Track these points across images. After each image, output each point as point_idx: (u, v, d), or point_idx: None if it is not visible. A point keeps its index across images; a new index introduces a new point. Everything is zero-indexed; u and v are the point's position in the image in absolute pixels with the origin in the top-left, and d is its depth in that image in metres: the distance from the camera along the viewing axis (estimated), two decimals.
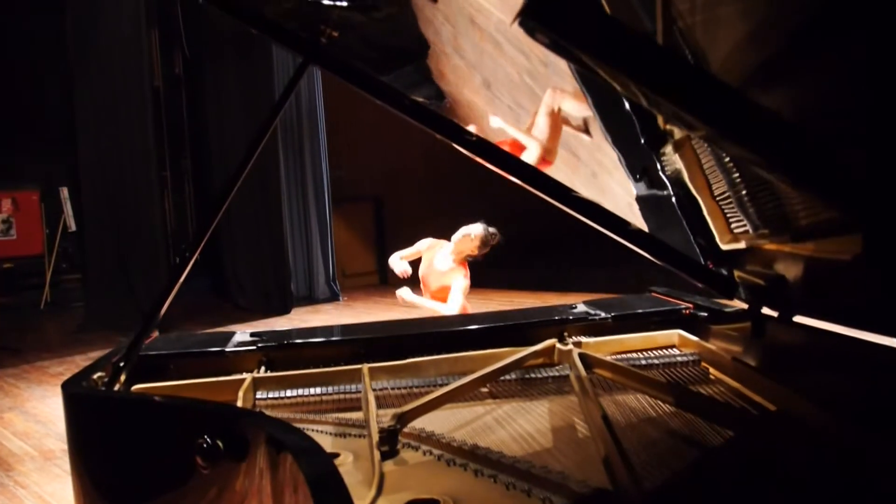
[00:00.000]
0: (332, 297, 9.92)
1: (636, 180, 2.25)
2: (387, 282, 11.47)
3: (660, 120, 1.92)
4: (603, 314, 2.20)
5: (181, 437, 1.31)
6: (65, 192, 8.98)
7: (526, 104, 5.24)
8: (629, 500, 1.17)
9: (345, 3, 1.31)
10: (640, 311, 2.22)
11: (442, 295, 4.68)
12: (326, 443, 1.61)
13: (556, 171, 6.67)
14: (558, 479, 1.27)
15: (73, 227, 8.96)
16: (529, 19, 0.70)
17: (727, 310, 2.10)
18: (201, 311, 9.19)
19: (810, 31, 1.34)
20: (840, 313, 1.73)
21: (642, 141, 2.06)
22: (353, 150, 10.57)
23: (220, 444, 1.27)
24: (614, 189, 5.35)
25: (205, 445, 1.26)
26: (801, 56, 1.42)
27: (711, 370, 1.91)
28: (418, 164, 10.33)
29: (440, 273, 4.76)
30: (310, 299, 9.77)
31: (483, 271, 10.08)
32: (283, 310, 8.97)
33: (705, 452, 1.41)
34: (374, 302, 9.70)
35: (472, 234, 4.59)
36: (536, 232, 8.97)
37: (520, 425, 1.64)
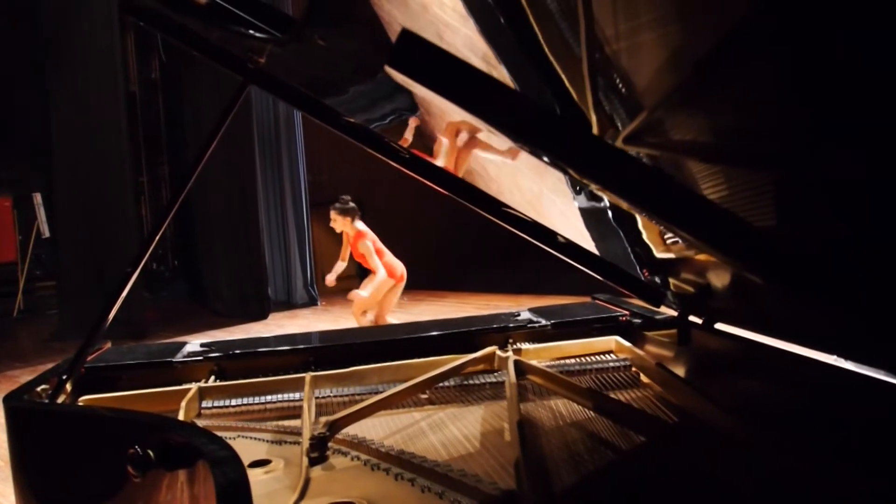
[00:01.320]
0: (311, 302, 9.95)
1: (576, 193, 2.33)
2: None
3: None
4: (543, 321, 2.28)
5: (114, 448, 1.36)
6: (38, 198, 8.97)
7: None
8: (528, 502, 1.24)
9: (261, 35, 1.38)
10: (579, 318, 2.30)
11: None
12: (262, 450, 1.67)
13: (524, 178, 6.77)
14: (472, 482, 1.34)
15: (46, 233, 8.94)
16: (393, 66, 0.78)
17: (658, 317, 2.19)
18: (178, 317, 9.21)
19: (718, 55, 1.43)
20: (757, 321, 1.82)
21: None
22: (333, 155, 10.61)
23: (150, 453, 1.33)
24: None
25: (136, 455, 1.32)
26: (711, 79, 1.50)
27: (642, 375, 1.99)
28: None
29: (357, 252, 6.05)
30: (288, 304, 9.81)
31: (461, 275, 10.15)
32: (261, 315, 9.00)
33: (618, 456, 1.49)
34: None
35: (333, 220, 6.14)
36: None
37: (450, 431, 1.71)
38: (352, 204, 6.15)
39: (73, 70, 8.18)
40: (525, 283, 9.20)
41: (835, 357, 1.60)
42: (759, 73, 1.41)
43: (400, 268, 6.26)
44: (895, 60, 1.02)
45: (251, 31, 1.37)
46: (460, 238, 10.87)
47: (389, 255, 6.27)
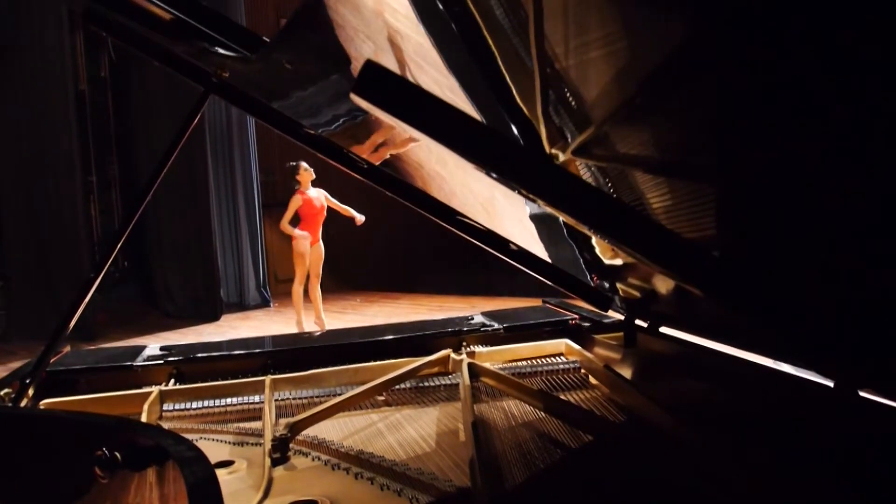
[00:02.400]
0: (263, 304, 9.93)
1: (528, 200, 2.41)
2: (322, 288, 11.50)
3: (545, 144, 2.08)
4: (496, 325, 2.36)
5: (80, 451, 1.40)
6: None
7: None
8: (482, 498, 1.32)
9: (228, 53, 1.43)
10: (530, 321, 2.39)
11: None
12: (225, 451, 1.72)
13: (476, 181, 6.87)
14: (429, 480, 1.41)
15: None
16: (358, 95, 0.84)
17: (606, 321, 2.28)
18: (129, 319, 9.09)
19: (661, 74, 1.52)
20: (699, 325, 1.93)
21: None
22: (285, 156, 10.57)
23: (117, 455, 1.37)
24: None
25: (103, 457, 1.36)
26: (654, 96, 1.60)
27: (590, 377, 2.08)
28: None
29: None
30: (240, 306, 9.78)
31: (414, 277, 10.19)
32: (213, 317, 8.96)
33: (567, 454, 1.57)
34: (306, 308, 9.72)
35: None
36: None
37: (407, 432, 1.78)
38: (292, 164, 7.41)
39: (20, 68, 8.05)
40: (477, 286, 9.32)
41: (772, 360, 1.72)
42: (698, 91, 1.51)
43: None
44: (827, 82, 1.11)
45: (217, 49, 1.42)
46: (414, 240, 10.94)
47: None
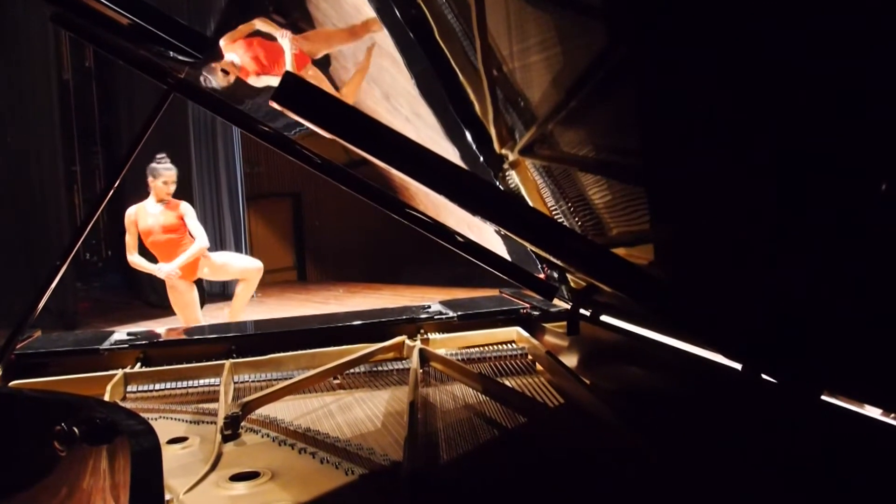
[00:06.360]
0: None
1: None
2: (305, 278, 11.62)
3: (496, 144, 2.19)
4: (451, 313, 2.46)
5: (37, 427, 1.50)
6: None
7: (423, 113, 5.54)
8: (408, 470, 1.43)
9: (179, 57, 1.52)
10: (483, 310, 2.50)
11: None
12: (181, 429, 1.82)
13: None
14: (366, 455, 1.52)
15: None
16: (276, 103, 0.95)
17: (553, 309, 2.39)
18: (111, 308, 9.17)
19: (591, 80, 1.63)
20: (635, 315, 2.04)
21: (481, 160, 2.33)
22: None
23: (75, 430, 1.47)
24: None
25: (62, 432, 1.46)
26: (585, 100, 1.70)
27: (537, 363, 2.20)
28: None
29: None
30: (223, 295, 9.82)
31: (397, 268, 10.26)
32: None
33: (501, 433, 1.69)
34: (289, 298, 9.82)
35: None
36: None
37: (357, 412, 1.89)
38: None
39: (3, 58, 8.07)
40: (458, 277, 9.42)
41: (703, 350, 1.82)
42: (624, 98, 1.62)
43: None
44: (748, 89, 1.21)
45: (171, 53, 1.51)
46: (397, 232, 11.00)
47: None
